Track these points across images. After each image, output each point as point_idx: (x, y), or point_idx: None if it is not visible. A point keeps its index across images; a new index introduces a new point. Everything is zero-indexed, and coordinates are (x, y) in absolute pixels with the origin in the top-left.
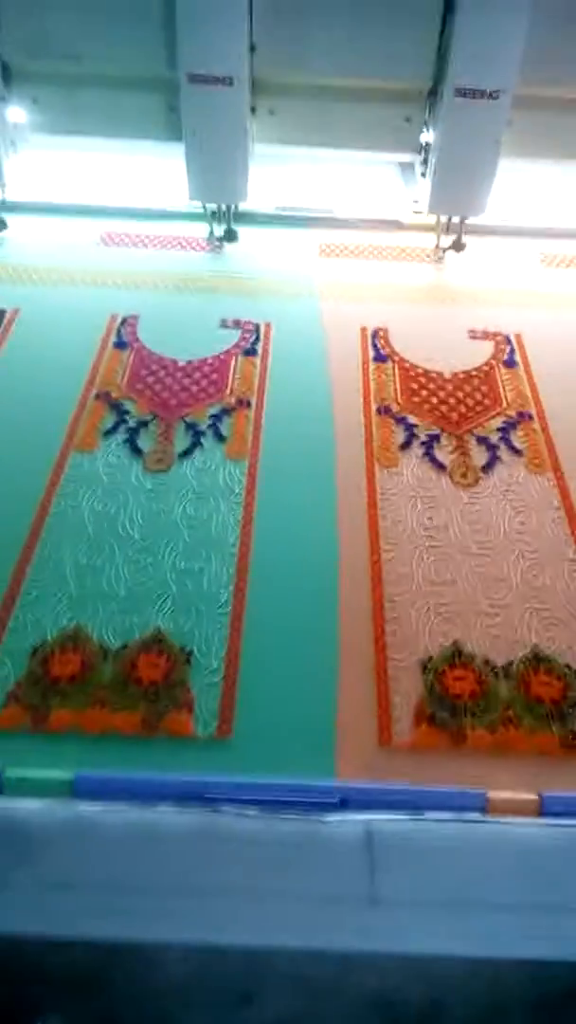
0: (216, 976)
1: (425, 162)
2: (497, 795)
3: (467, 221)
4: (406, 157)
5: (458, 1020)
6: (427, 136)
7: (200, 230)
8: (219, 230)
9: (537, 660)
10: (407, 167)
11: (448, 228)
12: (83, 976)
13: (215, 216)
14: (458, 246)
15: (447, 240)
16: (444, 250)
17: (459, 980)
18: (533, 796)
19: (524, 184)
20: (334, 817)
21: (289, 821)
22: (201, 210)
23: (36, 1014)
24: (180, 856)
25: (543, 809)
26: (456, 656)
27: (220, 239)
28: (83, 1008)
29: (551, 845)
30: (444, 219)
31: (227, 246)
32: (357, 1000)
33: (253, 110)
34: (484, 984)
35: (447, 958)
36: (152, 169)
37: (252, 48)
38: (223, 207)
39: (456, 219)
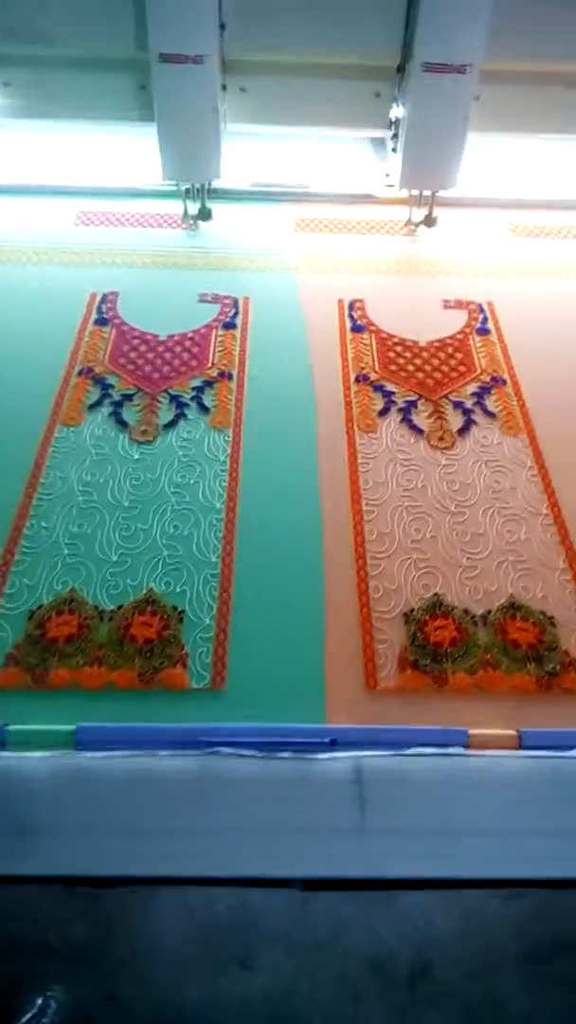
0: (216, 915)
1: (395, 137)
2: (478, 732)
3: (438, 194)
4: (377, 132)
5: (446, 938)
6: (397, 111)
7: (175, 207)
8: (193, 208)
9: (513, 608)
10: (379, 142)
11: (420, 202)
12: (85, 935)
13: (189, 194)
14: (429, 220)
15: (419, 214)
16: (416, 225)
17: (443, 901)
18: (512, 732)
19: (493, 157)
20: (325, 755)
21: (283, 760)
22: (176, 187)
23: (41, 982)
24: (181, 797)
25: (522, 743)
26: (437, 607)
27: (195, 217)
28: (86, 975)
29: (529, 775)
30: (416, 193)
31: (203, 224)
32: (352, 933)
33: (224, 88)
34: (466, 902)
35: (433, 880)
36: (125, 148)
37: (222, 26)
38: (197, 185)
39: (427, 193)
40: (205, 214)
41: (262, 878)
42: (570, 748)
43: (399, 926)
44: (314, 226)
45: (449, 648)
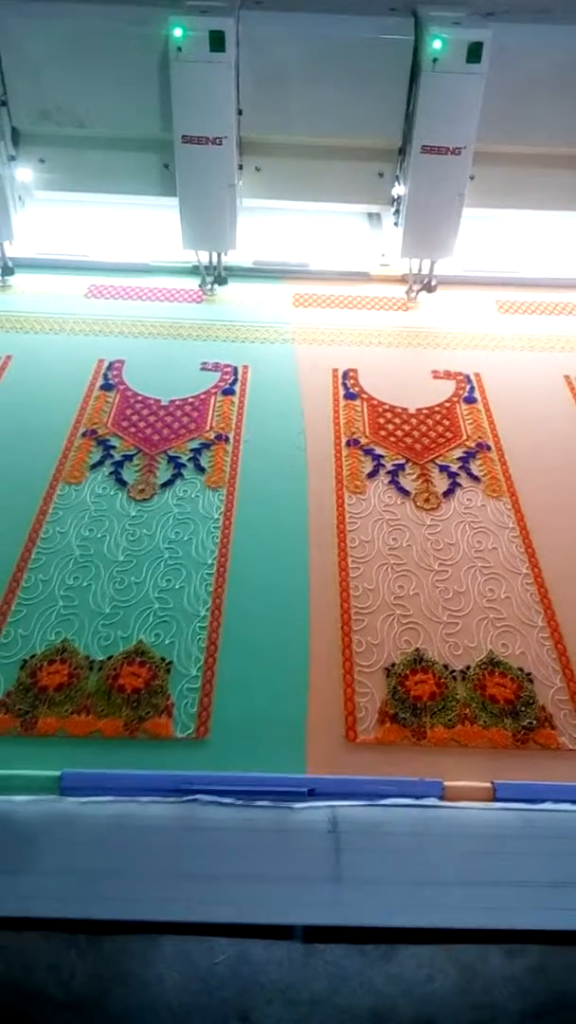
0: (196, 957)
1: (397, 212)
2: (453, 784)
3: (434, 270)
4: (380, 208)
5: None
6: (399, 189)
7: (181, 283)
8: (209, 278)
9: (492, 664)
10: (374, 218)
11: (418, 277)
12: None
13: (206, 269)
14: (429, 288)
15: (418, 284)
16: (417, 291)
17: (444, 955)
18: (487, 784)
19: (480, 239)
20: (302, 805)
21: (261, 809)
22: (183, 264)
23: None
24: (161, 843)
25: (496, 796)
26: (418, 662)
27: (212, 282)
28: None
29: (502, 827)
30: (415, 269)
31: (207, 298)
32: (325, 977)
33: (240, 167)
34: (467, 957)
35: (406, 930)
36: (138, 226)
37: (239, 112)
38: (213, 259)
39: (426, 266)
40: (222, 280)
41: (235, 924)
42: (542, 801)
43: (400, 981)
44: (312, 301)
45: (428, 702)
